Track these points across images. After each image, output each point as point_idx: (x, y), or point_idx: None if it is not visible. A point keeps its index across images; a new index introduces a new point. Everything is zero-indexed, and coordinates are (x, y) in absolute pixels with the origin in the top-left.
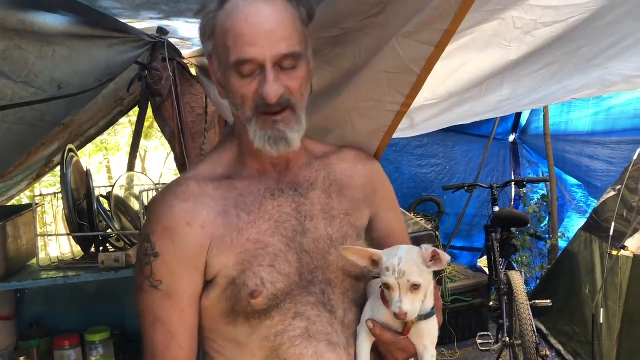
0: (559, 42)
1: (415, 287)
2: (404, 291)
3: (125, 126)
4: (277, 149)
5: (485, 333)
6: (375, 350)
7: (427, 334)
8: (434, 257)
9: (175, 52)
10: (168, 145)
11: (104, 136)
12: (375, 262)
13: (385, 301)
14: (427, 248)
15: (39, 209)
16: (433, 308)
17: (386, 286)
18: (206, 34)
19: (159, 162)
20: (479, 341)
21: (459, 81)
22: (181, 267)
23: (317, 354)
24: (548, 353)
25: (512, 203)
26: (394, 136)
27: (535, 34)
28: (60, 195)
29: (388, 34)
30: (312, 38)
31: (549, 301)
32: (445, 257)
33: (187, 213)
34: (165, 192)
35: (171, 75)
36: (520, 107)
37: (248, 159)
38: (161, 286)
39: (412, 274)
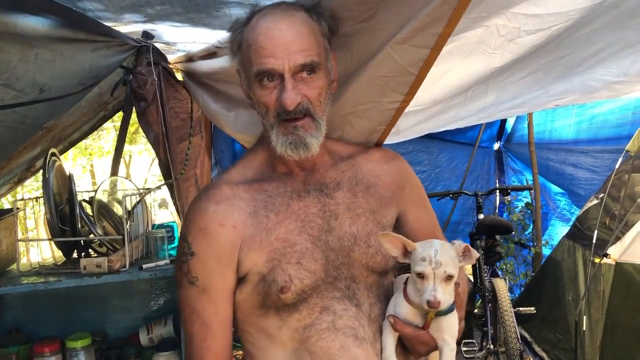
0: (543, 50)
1: (449, 278)
2: (439, 281)
3: (109, 131)
4: (297, 153)
5: (470, 340)
6: (401, 344)
7: (447, 328)
8: (465, 253)
9: (160, 56)
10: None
11: (88, 141)
12: (406, 253)
13: (408, 298)
14: (460, 243)
15: (20, 213)
16: (453, 303)
17: (420, 275)
18: (234, 49)
19: (143, 167)
20: (464, 348)
21: (444, 88)
22: (215, 265)
23: (344, 347)
24: (532, 359)
25: (497, 211)
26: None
27: (519, 42)
28: (41, 200)
29: (380, 39)
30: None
31: (532, 308)
32: (475, 253)
33: (219, 214)
34: (201, 195)
35: (156, 79)
36: (504, 112)
37: (276, 163)
38: (197, 282)
39: (448, 265)
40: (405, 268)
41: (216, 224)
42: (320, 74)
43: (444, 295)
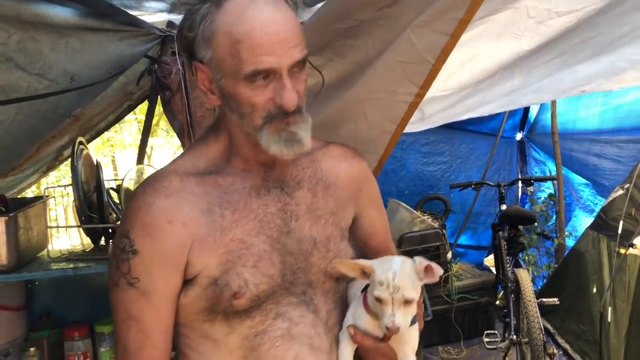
0: (572, 32)
1: (408, 301)
2: (397, 305)
3: (131, 123)
4: (292, 150)
5: (492, 331)
6: (357, 355)
7: (408, 341)
8: (427, 270)
9: None
10: (174, 143)
11: (110, 133)
12: (365, 274)
13: (368, 308)
14: (421, 261)
15: (50, 201)
16: (416, 315)
17: (378, 299)
18: (200, 41)
19: (165, 160)
20: (486, 339)
21: (471, 73)
22: (160, 266)
23: (298, 357)
24: (555, 351)
25: (519, 202)
26: (406, 132)
27: (549, 24)
28: (70, 188)
29: (401, 25)
30: (324, 30)
31: (556, 299)
32: (438, 270)
33: (168, 210)
34: (146, 187)
35: (180, 69)
36: (529, 96)
37: (235, 157)
38: (138, 284)
39: (406, 289)
40: None
41: (164, 220)
42: (305, 66)
43: (404, 318)
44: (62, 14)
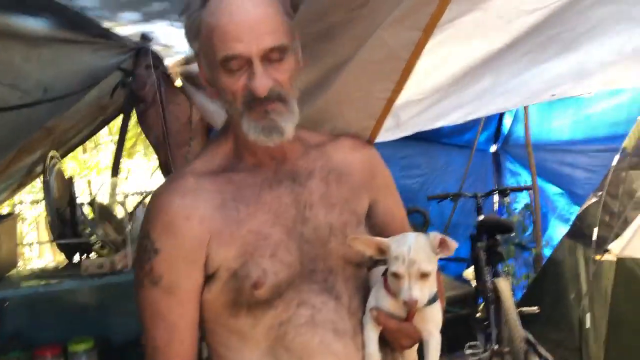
0: (540, 28)
1: (424, 275)
2: (414, 279)
3: (107, 145)
4: (271, 139)
5: (474, 343)
6: (382, 338)
7: (431, 319)
8: (441, 244)
9: (158, 60)
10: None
11: (86, 155)
12: (382, 251)
13: (389, 289)
14: (435, 235)
15: (20, 217)
16: (436, 293)
17: (395, 275)
18: (191, 35)
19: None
20: (468, 351)
21: (444, 75)
22: (181, 263)
23: (324, 343)
24: (538, 359)
25: (496, 213)
26: (380, 141)
27: (517, 22)
28: (42, 203)
29: (373, 25)
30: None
31: (536, 308)
32: (453, 243)
33: (185, 208)
34: (163, 188)
35: (155, 81)
36: (500, 98)
37: (244, 153)
38: (161, 282)
39: (422, 262)
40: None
41: (182, 217)
42: (290, 56)
43: (421, 292)
44: (35, 25)
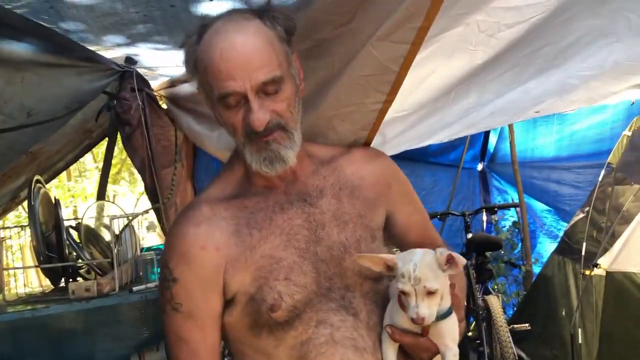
0: (522, 43)
1: (431, 292)
2: (420, 297)
3: (92, 172)
4: (273, 169)
5: None
6: (403, 350)
7: (447, 333)
8: (449, 261)
9: (143, 82)
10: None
11: (71, 183)
12: (390, 268)
13: (403, 305)
14: (442, 252)
15: (5, 242)
16: (451, 307)
17: (402, 292)
18: (189, 69)
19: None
20: None
21: (428, 90)
22: (199, 290)
23: None
24: None
25: (484, 231)
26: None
27: (499, 36)
28: (27, 228)
29: (361, 41)
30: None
31: (527, 325)
32: (461, 260)
33: (200, 237)
34: (180, 218)
35: (140, 104)
36: (487, 119)
37: (254, 177)
38: (182, 308)
39: (428, 280)
40: None
41: (197, 247)
42: (286, 85)
43: (429, 309)
44: (17, 49)
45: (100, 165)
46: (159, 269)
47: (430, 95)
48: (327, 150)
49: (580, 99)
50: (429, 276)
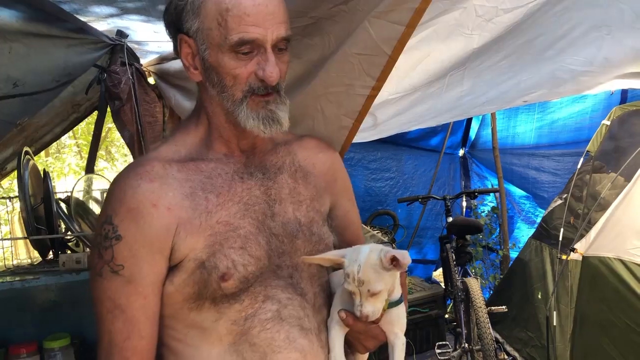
0: (517, 30)
1: (374, 293)
2: (364, 296)
3: (71, 148)
4: (269, 129)
5: (444, 342)
6: (345, 340)
7: (397, 321)
8: (393, 262)
9: (133, 57)
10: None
11: (50, 159)
12: (338, 265)
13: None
14: (387, 252)
15: None
16: (401, 296)
17: (347, 290)
18: (189, 11)
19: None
20: (438, 351)
21: (423, 73)
22: (145, 251)
23: (289, 338)
24: (506, 357)
25: (464, 215)
26: (357, 141)
27: (496, 21)
28: (15, 199)
29: (357, 20)
30: None
31: (504, 307)
32: (405, 260)
33: (152, 194)
34: (128, 172)
35: (130, 78)
36: (477, 105)
37: (216, 142)
38: (122, 271)
39: (370, 282)
40: None
41: (149, 204)
42: (288, 47)
43: (373, 307)
44: (7, 17)
45: (80, 141)
46: None
47: (424, 79)
48: (280, 133)
49: (567, 90)
50: (372, 278)
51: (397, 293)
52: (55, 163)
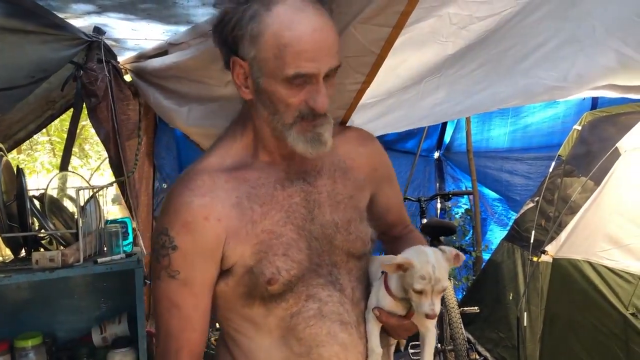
0: (492, 39)
1: (442, 290)
2: (436, 295)
3: (44, 145)
4: (316, 151)
5: (417, 342)
6: (383, 328)
7: None
8: (455, 258)
9: (110, 54)
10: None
11: (22, 156)
12: (402, 268)
13: (390, 291)
14: (451, 251)
15: None
16: None
17: (419, 292)
18: (247, 39)
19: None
20: (411, 351)
21: (398, 79)
22: (199, 259)
23: (331, 333)
24: (478, 357)
25: (438, 217)
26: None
27: (470, 28)
28: None
29: (341, 22)
30: None
31: (476, 308)
32: (463, 257)
33: (204, 208)
34: (182, 188)
35: (107, 76)
36: (452, 114)
37: (260, 152)
38: (178, 276)
39: (444, 280)
40: None
41: (201, 217)
42: (336, 72)
43: (439, 304)
44: None
45: (53, 138)
46: (124, 242)
47: (400, 84)
48: None
49: (541, 100)
50: (444, 276)
51: None
52: (27, 160)
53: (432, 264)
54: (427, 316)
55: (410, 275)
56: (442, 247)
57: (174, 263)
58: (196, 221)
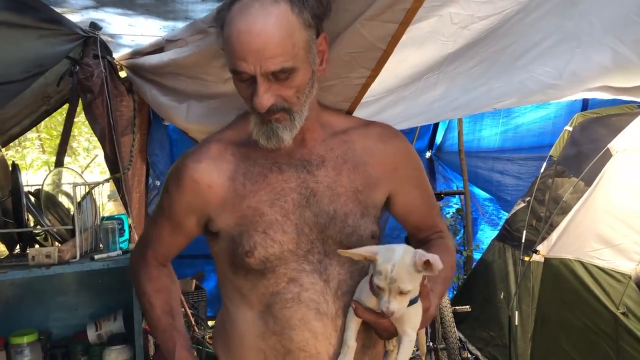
0: (493, 37)
1: (403, 292)
2: (393, 294)
3: (33, 142)
4: (269, 143)
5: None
6: (367, 323)
7: (408, 320)
8: (426, 265)
9: (106, 50)
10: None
11: (11, 152)
12: (371, 260)
13: (372, 287)
14: (422, 255)
15: None
16: (417, 296)
17: (377, 287)
18: (218, 28)
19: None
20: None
21: (398, 78)
22: (182, 208)
23: (304, 319)
24: (469, 356)
25: None
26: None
27: (471, 28)
28: None
29: (344, 19)
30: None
31: (468, 307)
32: (438, 264)
33: (196, 172)
34: (190, 151)
35: (103, 71)
36: (448, 110)
37: None
38: (164, 212)
39: (403, 281)
40: None
41: (190, 179)
42: (298, 73)
43: (399, 305)
44: None
45: (42, 135)
46: (120, 238)
47: (399, 82)
48: (344, 121)
49: (535, 100)
50: (404, 278)
51: (415, 293)
52: (15, 157)
53: (393, 263)
54: (382, 313)
55: (374, 269)
56: (419, 250)
57: (165, 204)
58: (185, 182)
